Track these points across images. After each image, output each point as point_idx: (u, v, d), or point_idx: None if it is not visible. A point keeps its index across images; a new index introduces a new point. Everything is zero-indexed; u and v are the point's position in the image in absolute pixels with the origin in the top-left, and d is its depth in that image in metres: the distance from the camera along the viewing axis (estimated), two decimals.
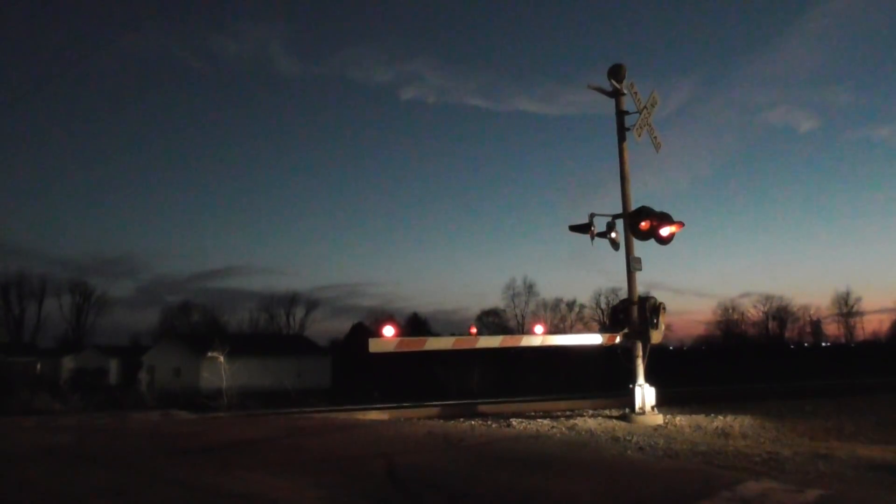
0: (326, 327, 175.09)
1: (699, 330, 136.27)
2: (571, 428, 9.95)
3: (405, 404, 13.35)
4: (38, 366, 66.97)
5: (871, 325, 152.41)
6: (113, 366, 67.49)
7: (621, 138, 12.29)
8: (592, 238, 12.14)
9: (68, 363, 67.65)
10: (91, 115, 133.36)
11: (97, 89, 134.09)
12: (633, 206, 11.94)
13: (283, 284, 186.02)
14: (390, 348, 10.03)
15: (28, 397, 16.88)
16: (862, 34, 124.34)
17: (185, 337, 67.34)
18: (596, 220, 12.16)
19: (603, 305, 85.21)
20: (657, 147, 12.73)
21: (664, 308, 11.74)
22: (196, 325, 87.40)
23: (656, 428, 10.22)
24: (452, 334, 11.59)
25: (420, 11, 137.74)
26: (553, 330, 67.86)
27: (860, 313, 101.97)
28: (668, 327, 12.12)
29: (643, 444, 8.42)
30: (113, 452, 7.05)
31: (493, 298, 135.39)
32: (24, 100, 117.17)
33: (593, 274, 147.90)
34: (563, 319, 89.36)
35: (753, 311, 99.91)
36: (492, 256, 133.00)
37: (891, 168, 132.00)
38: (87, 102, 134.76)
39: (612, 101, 12.45)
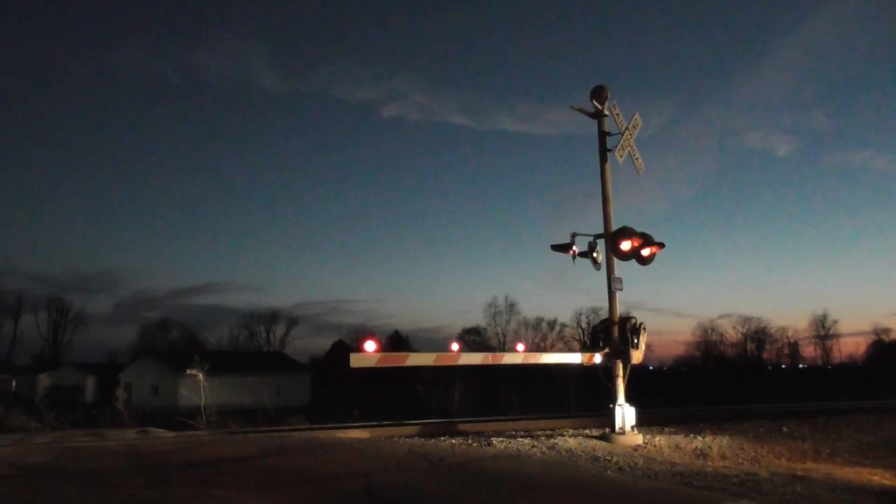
0: (307, 345, 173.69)
1: (679, 350, 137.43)
2: (552, 447, 9.94)
3: (385, 422, 13.25)
4: (14, 383, 66.02)
5: (847, 347, 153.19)
6: (90, 383, 66.67)
7: (603, 159, 12.39)
8: (574, 258, 12.18)
9: (44, 380, 66.73)
10: (69, 130, 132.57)
11: (76, 104, 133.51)
12: (615, 227, 12.01)
13: (263, 301, 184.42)
14: (372, 363, 9.96)
15: (3, 415, 16.58)
16: (839, 59, 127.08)
17: (164, 354, 66.62)
18: (577, 240, 12.20)
19: (584, 325, 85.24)
20: (639, 169, 12.84)
21: (645, 328, 11.77)
22: (174, 342, 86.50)
23: (636, 448, 10.23)
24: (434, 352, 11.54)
25: (403, 29, 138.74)
26: (534, 349, 67.84)
27: (837, 336, 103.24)
28: (648, 347, 12.14)
29: (623, 464, 8.44)
30: (88, 471, 6.95)
31: (475, 317, 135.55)
32: None
33: (574, 293, 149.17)
34: (544, 338, 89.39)
35: (732, 333, 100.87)
36: (473, 275, 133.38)
37: (868, 192, 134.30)
38: (66, 118, 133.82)
39: (595, 122, 12.50)
